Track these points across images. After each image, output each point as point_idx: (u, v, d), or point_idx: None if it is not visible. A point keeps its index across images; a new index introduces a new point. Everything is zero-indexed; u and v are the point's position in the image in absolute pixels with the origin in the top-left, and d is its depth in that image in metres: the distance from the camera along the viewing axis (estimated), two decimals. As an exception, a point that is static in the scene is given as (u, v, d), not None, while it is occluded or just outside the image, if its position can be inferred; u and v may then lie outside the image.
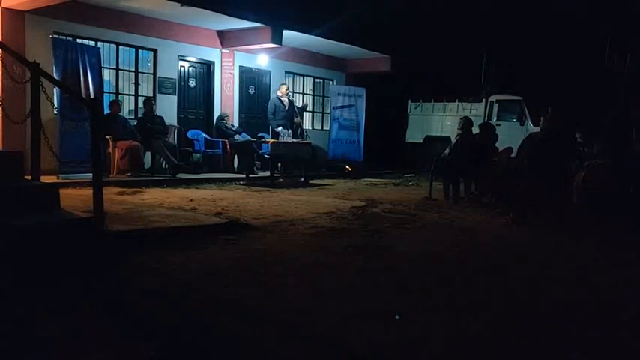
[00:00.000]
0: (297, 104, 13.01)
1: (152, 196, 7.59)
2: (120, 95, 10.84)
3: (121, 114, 10.13)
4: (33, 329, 2.77)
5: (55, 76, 8.06)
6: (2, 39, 8.31)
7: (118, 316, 3.02)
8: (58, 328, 2.78)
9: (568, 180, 6.71)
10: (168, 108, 11.34)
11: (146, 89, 11.33)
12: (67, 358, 2.48)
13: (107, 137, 9.24)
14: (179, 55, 11.70)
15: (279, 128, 11.03)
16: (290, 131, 11.10)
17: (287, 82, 13.13)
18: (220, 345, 2.66)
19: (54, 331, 2.74)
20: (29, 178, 4.99)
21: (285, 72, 14.16)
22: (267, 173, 10.68)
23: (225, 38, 12.17)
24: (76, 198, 6.01)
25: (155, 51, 11.25)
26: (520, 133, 13.25)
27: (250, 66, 13.15)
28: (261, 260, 4.25)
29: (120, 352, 2.54)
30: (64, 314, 2.98)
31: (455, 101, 15.94)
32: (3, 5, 8.77)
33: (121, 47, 10.80)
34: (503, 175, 7.53)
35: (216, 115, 12.24)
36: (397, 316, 2.89)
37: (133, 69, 11.13)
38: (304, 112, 14.06)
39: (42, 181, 5.07)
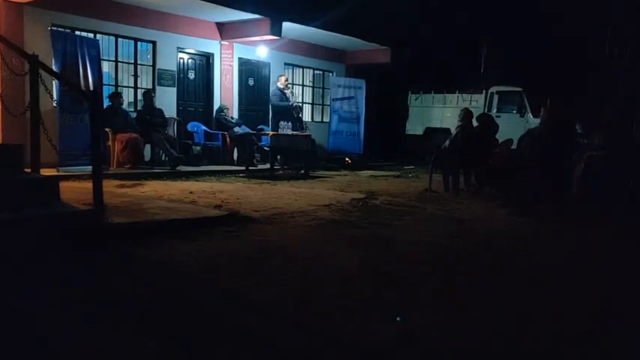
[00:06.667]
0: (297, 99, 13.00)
1: (152, 188, 7.58)
2: (119, 87, 10.80)
3: (121, 106, 10.12)
4: (32, 321, 2.77)
5: (54, 68, 8.03)
6: (1, 31, 8.28)
7: (117, 308, 3.02)
8: (56, 320, 2.79)
9: (568, 171, 6.72)
10: (167, 100, 11.31)
11: (145, 81, 11.30)
12: (65, 350, 2.48)
13: (107, 130, 9.23)
14: (178, 47, 11.66)
15: (282, 122, 10.98)
16: (290, 123, 11.08)
17: (286, 74, 13.11)
18: (220, 336, 2.67)
19: (52, 323, 2.75)
20: (29, 170, 4.98)
21: (285, 64, 14.12)
22: (267, 165, 10.68)
23: (225, 30, 12.13)
24: (75, 191, 6.00)
25: (154, 43, 11.21)
26: (520, 124, 13.26)
27: (249, 58, 13.12)
28: (262, 252, 4.25)
29: (118, 343, 2.55)
30: (62, 306, 2.98)
31: (455, 93, 15.91)
32: (1, -3, 8.74)
33: (120, 39, 10.76)
34: (503, 166, 7.53)
35: (215, 107, 12.23)
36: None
37: (132, 61, 11.09)
38: (302, 105, 14.09)
39: (42, 173, 5.07)
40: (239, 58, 12.85)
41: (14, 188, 4.43)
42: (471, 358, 2.54)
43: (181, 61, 11.91)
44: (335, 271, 3.85)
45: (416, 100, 16.78)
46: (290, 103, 11.71)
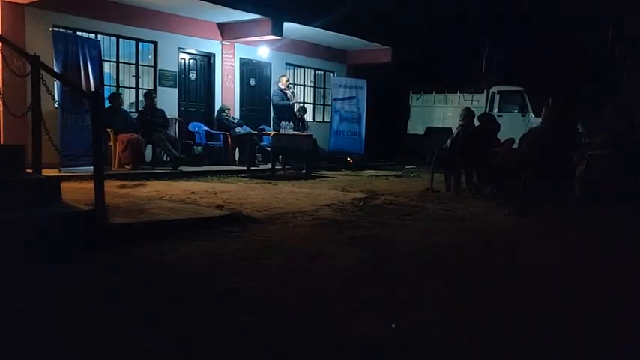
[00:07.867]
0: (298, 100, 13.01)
1: (153, 189, 7.59)
2: (120, 88, 10.83)
3: (122, 107, 10.14)
4: (32, 321, 2.78)
5: (55, 69, 8.06)
6: (2, 32, 8.30)
7: (118, 308, 3.03)
8: (56, 320, 2.80)
9: (570, 170, 6.71)
10: (169, 101, 11.33)
11: (147, 82, 11.32)
12: (64, 350, 2.49)
13: (108, 130, 9.24)
14: (179, 48, 11.68)
15: (284, 122, 10.99)
16: (291, 123, 11.09)
17: (288, 74, 13.12)
18: (221, 335, 2.68)
19: (52, 323, 2.76)
20: (30, 171, 4.99)
21: (286, 64, 14.14)
22: (269, 165, 10.70)
23: (226, 30, 12.14)
24: (77, 191, 6.02)
25: (155, 43, 11.23)
26: (521, 124, 13.23)
27: (251, 58, 13.13)
28: (263, 252, 4.25)
29: (118, 343, 2.56)
30: (62, 306, 2.99)
31: (456, 92, 15.90)
32: (3, -2, 8.76)
33: (121, 40, 10.78)
34: (504, 166, 7.52)
35: (217, 107, 12.25)
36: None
37: (134, 62, 11.12)
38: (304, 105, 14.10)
39: (43, 174, 5.08)
40: (240, 58, 12.86)
41: (16, 189, 4.44)
42: (471, 358, 2.55)
43: (182, 61, 11.93)
44: (335, 271, 3.85)
45: (417, 99, 16.77)
46: (291, 102, 11.74)
